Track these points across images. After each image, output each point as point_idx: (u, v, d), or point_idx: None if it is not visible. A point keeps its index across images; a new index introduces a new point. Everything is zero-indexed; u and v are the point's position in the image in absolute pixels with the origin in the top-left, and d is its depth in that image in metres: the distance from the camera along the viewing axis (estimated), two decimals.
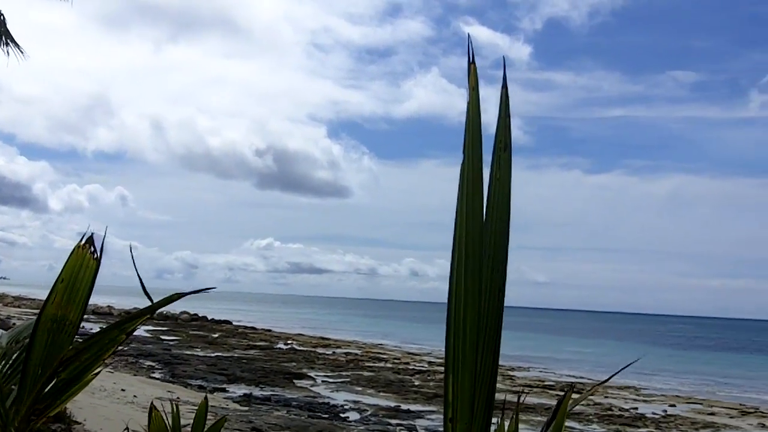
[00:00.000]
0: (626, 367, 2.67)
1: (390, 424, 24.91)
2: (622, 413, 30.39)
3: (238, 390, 30.12)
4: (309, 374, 37.25)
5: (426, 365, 46.38)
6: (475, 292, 1.56)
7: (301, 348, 54.88)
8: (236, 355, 45.29)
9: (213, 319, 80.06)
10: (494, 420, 2.20)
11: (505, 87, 1.59)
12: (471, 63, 1.55)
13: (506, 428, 2.05)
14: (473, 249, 1.56)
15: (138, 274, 2.26)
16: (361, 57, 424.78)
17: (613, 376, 2.37)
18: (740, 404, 36.09)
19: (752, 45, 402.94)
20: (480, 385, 1.58)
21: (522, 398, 1.42)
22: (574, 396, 2.01)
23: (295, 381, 34.10)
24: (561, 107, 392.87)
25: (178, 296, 2.09)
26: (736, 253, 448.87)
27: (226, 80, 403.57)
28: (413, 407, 28.73)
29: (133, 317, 2.15)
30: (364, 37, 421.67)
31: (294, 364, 42.04)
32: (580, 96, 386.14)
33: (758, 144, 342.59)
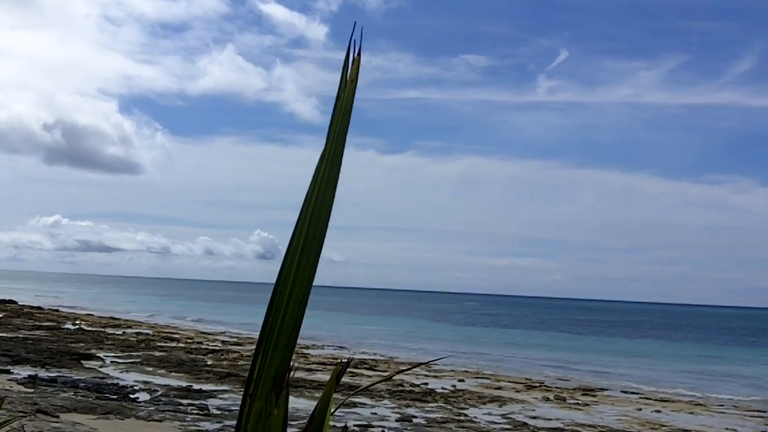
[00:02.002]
0: (440, 359, 2.74)
1: (181, 404, 24.52)
2: (413, 389, 31.17)
3: (23, 371, 28.96)
4: (98, 355, 36.31)
5: (219, 344, 45.99)
6: (306, 273, 1.55)
7: (90, 328, 53.51)
8: (21, 335, 43.56)
9: None
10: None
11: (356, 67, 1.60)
12: (357, 55, 1.55)
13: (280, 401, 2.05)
14: (314, 233, 1.55)
15: None
16: (155, 31, 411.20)
17: (434, 360, 2.40)
18: (526, 378, 37.82)
19: (540, 31, 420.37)
20: (284, 363, 1.57)
21: (293, 374, 1.44)
22: (385, 373, 2.03)
23: (83, 362, 33.13)
24: (356, 87, 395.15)
25: None
26: (523, 233, 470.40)
27: (12, 52, 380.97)
28: (205, 387, 28.41)
29: None
30: (158, 12, 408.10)
31: (82, 344, 40.87)
32: (374, 77, 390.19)
33: (544, 128, 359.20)
